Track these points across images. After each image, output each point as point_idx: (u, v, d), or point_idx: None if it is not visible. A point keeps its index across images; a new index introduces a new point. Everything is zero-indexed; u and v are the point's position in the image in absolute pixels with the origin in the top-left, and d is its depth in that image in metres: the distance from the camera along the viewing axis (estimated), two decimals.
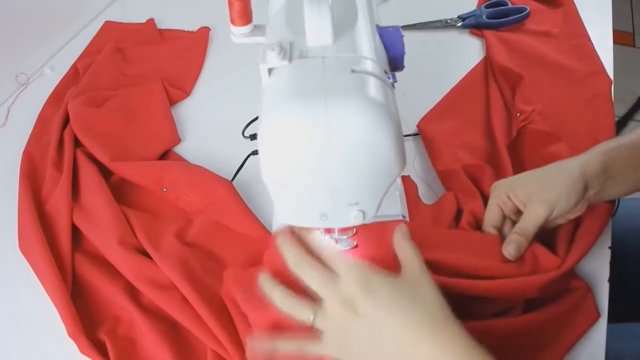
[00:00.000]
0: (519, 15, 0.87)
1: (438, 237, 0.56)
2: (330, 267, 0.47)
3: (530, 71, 0.77)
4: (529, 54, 0.81)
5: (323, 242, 0.50)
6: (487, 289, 0.53)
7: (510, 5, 0.90)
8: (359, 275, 0.45)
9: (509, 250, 0.54)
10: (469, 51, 0.86)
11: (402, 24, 0.52)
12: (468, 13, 0.91)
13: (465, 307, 0.48)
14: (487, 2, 0.92)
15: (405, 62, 0.51)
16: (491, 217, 0.58)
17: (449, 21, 0.91)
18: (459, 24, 0.90)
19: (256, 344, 0.49)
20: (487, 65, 0.82)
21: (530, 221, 0.55)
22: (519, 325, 0.53)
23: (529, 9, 0.87)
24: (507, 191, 0.57)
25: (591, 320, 0.55)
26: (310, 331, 0.46)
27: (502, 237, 0.57)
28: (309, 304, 0.46)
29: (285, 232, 0.51)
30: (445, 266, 0.53)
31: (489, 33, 0.86)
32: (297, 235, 0.51)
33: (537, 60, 0.80)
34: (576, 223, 0.58)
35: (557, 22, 0.88)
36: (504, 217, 0.58)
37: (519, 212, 0.57)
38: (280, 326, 0.50)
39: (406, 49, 0.50)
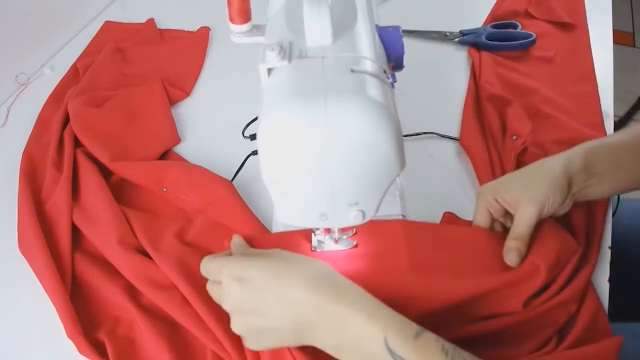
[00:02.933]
0: (522, 41, 0.83)
1: (436, 241, 0.56)
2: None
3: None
4: (519, 90, 0.77)
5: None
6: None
7: (517, 30, 0.86)
8: (238, 257, 0.51)
9: (511, 258, 0.53)
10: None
11: (401, 28, 0.52)
12: (470, 30, 0.87)
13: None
14: (496, 22, 0.88)
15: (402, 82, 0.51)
16: (480, 221, 0.58)
17: (447, 34, 0.88)
18: (457, 39, 0.87)
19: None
20: (475, 89, 0.79)
21: (524, 223, 0.54)
22: None
23: (534, 37, 0.83)
24: (494, 194, 0.56)
25: None
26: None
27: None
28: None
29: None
30: (452, 297, 0.52)
31: (486, 56, 0.82)
32: None
33: (526, 97, 0.77)
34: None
35: (564, 46, 0.84)
36: (493, 221, 0.58)
37: (506, 214, 0.57)
38: None
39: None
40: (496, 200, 0.56)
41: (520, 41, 0.84)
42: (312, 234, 0.56)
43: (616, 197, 0.66)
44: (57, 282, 0.59)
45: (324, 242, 0.55)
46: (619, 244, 0.62)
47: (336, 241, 0.54)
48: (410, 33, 0.89)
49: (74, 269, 0.62)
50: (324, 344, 0.45)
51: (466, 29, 0.88)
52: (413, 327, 0.43)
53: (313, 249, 0.55)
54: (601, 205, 0.62)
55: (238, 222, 0.64)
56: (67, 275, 0.61)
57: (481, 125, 0.74)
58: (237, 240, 0.55)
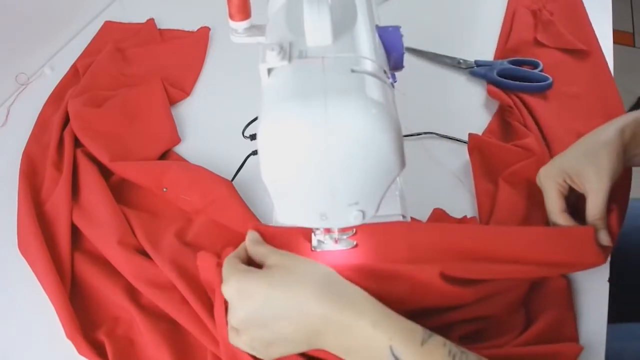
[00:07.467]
0: (538, 84, 0.77)
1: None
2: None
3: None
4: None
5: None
6: None
7: (537, 71, 0.80)
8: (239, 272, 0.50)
9: (603, 239, 0.55)
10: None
11: (403, 34, 0.52)
12: (485, 61, 0.83)
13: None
14: (514, 59, 0.82)
15: (403, 83, 0.51)
16: (557, 205, 0.59)
17: (460, 62, 0.84)
18: (469, 70, 0.83)
19: None
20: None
21: (600, 201, 0.56)
22: None
23: (551, 80, 0.77)
24: (562, 176, 0.58)
25: None
26: None
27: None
28: None
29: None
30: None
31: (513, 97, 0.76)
32: None
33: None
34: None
35: (584, 78, 0.80)
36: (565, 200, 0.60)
37: (571, 190, 0.59)
38: None
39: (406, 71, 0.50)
40: (565, 181, 0.58)
41: (535, 84, 0.78)
42: (312, 234, 0.56)
43: None
44: (56, 282, 0.59)
45: (324, 242, 0.55)
46: (619, 244, 0.62)
47: (336, 241, 0.54)
48: (424, 54, 0.86)
49: (74, 269, 0.62)
50: (334, 349, 0.46)
51: (481, 60, 0.84)
52: (419, 333, 0.44)
53: (313, 248, 0.55)
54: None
55: (238, 222, 0.64)
56: (66, 275, 0.61)
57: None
58: (251, 236, 0.55)
